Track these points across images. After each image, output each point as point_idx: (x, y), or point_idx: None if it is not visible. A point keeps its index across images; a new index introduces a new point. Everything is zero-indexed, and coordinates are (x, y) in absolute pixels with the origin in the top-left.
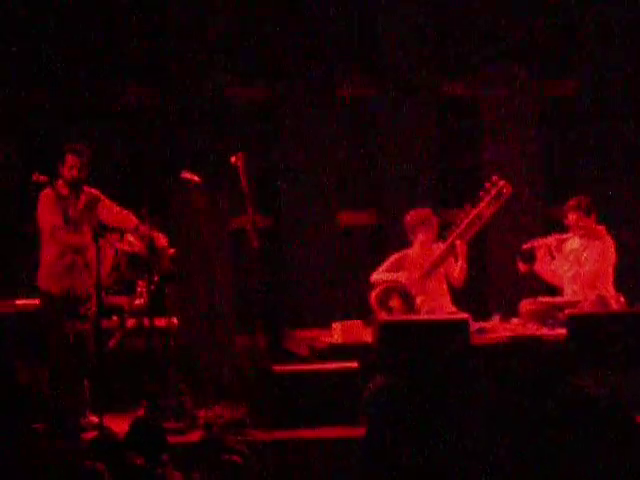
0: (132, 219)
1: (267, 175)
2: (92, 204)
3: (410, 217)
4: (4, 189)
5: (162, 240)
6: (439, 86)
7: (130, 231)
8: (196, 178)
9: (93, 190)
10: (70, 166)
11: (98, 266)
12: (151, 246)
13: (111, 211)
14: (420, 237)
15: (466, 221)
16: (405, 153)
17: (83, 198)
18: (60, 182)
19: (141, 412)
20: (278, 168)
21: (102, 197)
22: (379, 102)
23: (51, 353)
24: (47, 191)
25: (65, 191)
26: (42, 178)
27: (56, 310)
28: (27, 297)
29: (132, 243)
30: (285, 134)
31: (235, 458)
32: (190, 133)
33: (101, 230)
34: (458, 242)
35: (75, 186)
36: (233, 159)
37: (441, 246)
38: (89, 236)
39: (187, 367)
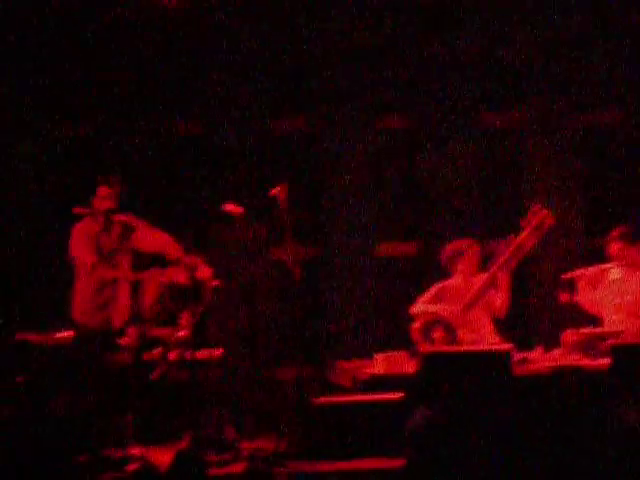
0: (175, 247)
1: (308, 206)
2: (126, 233)
3: (451, 248)
4: (41, 218)
5: (206, 271)
6: (482, 116)
7: (173, 260)
8: (239, 209)
9: (125, 216)
10: (102, 197)
11: (137, 297)
12: (195, 277)
13: (149, 237)
14: (461, 268)
15: (508, 252)
16: (447, 184)
17: (116, 228)
18: (91, 216)
19: (184, 444)
20: (320, 199)
21: (137, 222)
22: (421, 132)
23: (91, 385)
24: (81, 225)
25: (97, 224)
26: (84, 210)
27: (93, 343)
28: (60, 329)
29: (174, 274)
30: (327, 165)
31: None
32: (232, 164)
33: (141, 262)
34: (500, 273)
35: (107, 217)
36: (274, 191)
37: (483, 277)
38: (126, 267)
39: (229, 399)
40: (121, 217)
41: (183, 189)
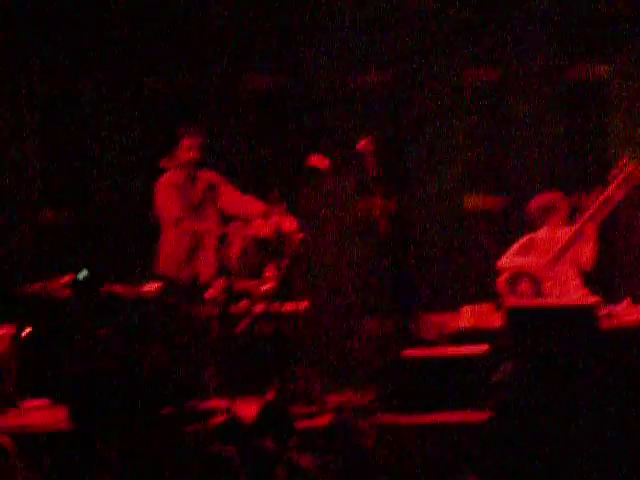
0: (257, 205)
1: (396, 159)
2: (211, 187)
3: (539, 201)
4: (127, 171)
5: (291, 224)
6: (566, 69)
7: (255, 217)
8: (325, 162)
9: (210, 173)
10: (188, 147)
11: (223, 250)
12: (280, 230)
13: (231, 197)
14: (549, 221)
15: (596, 204)
16: (534, 136)
17: (201, 182)
18: (174, 169)
19: (270, 396)
20: (407, 152)
21: (220, 181)
22: (505, 87)
23: (176, 338)
24: (166, 177)
25: (181, 177)
26: (169, 163)
27: (180, 296)
28: (147, 282)
29: (260, 227)
30: (414, 118)
31: (364, 442)
32: (318, 117)
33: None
34: (587, 226)
35: (192, 170)
36: (362, 143)
37: (570, 230)
38: (213, 220)
39: (316, 351)
40: (205, 173)
41: (269, 143)
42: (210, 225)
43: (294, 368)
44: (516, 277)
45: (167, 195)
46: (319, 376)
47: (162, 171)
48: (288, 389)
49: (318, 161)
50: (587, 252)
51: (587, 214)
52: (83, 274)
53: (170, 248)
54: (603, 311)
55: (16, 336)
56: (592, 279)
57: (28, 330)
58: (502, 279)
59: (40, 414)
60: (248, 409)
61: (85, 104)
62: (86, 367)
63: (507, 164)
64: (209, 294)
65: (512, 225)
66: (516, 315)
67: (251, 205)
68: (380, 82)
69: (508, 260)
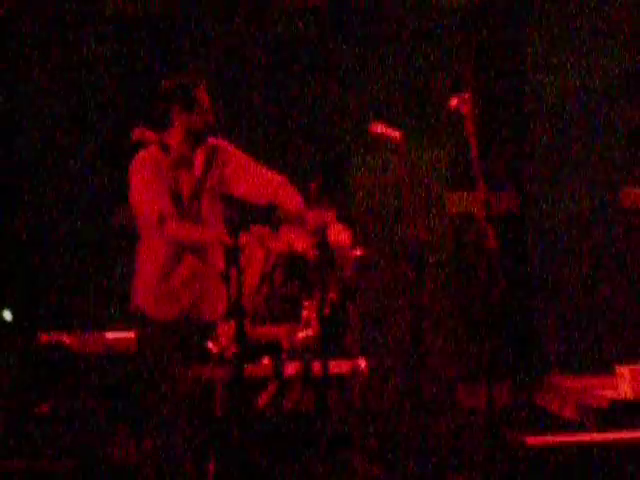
0: (293, 195)
1: (507, 138)
2: (218, 168)
3: None
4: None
5: (343, 235)
6: None
7: (289, 215)
8: (394, 132)
9: (217, 140)
10: (204, 109)
11: (238, 277)
12: (324, 243)
13: (253, 177)
14: None
15: None
16: None
17: (200, 160)
18: (152, 148)
19: None
20: (524, 128)
21: (234, 151)
22: None
23: (160, 415)
24: (145, 154)
25: (168, 154)
26: (149, 135)
27: (167, 346)
28: (114, 326)
29: (295, 239)
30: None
31: None
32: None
33: (242, 219)
34: None
35: (188, 142)
36: (454, 101)
37: None
38: (220, 227)
39: (380, 439)
40: (210, 140)
41: (306, 106)
42: (212, 232)
43: (346, 464)
44: None
45: (149, 180)
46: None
47: (137, 147)
48: None
49: (382, 130)
50: None
51: None
52: (4, 315)
53: (153, 271)
54: None
55: None
56: None
57: None
58: None
59: None
60: None
61: None
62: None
63: None
64: (212, 345)
65: None
66: None
67: (283, 192)
68: None
69: None
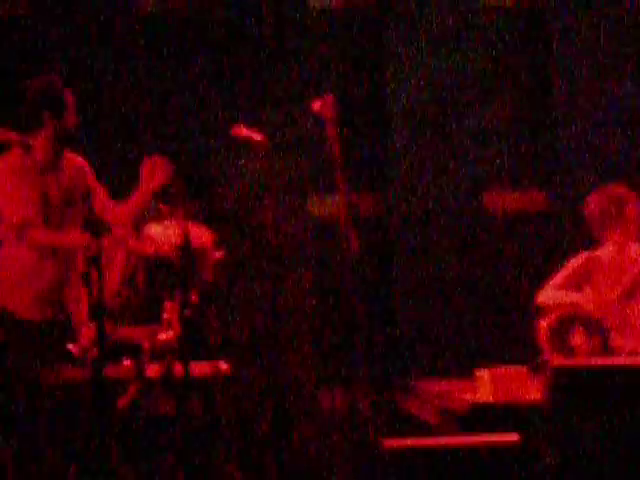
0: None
1: (370, 136)
2: (82, 178)
3: (596, 201)
4: None
5: (205, 237)
6: None
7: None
8: (256, 135)
9: (78, 159)
10: (73, 111)
11: (99, 279)
12: (186, 246)
13: (101, 199)
14: (614, 233)
15: None
16: (585, 117)
17: (68, 170)
18: (16, 150)
19: None
20: (386, 126)
21: (89, 173)
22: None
23: (21, 418)
24: (10, 158)
25: (34, 159)
26: (10, 136)
27: (28, 348)
28: None
29: (155, 241)
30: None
31: None
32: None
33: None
34: None
35: (57, 149)
36: (317, 105)
37: None
38: (79, 230)
39: (244, 445)
40: (73, 157)
41: (163, 110)
42: (76, 236)
43: (208, 464)
44: (566, 322)
45: (7, 189)
46: (243, 475)
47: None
48: None
49: (245, 133)
50: None
51: None
52: None
53: (14, 275)
54: None
55: None
56: None
57: None
58: (544, 324)
59: None
60: None
61: None
62: None
63: (553, 151)
64: (74, 347)
65: (559, 236)
66: (566, 382)
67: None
68: None
69: (554, 294)
